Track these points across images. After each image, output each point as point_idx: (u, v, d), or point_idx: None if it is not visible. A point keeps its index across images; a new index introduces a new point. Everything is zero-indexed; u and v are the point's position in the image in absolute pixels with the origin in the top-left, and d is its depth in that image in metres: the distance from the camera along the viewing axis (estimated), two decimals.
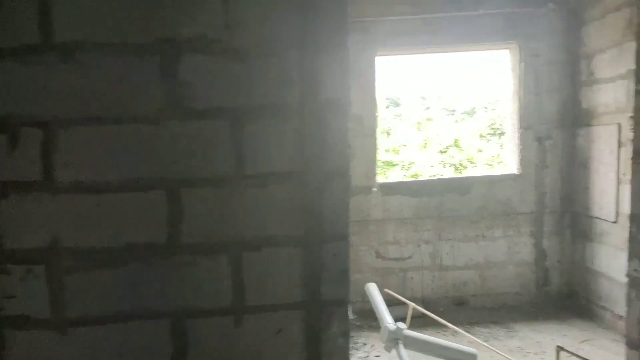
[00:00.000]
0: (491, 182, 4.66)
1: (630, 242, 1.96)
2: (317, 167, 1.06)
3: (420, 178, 5.05)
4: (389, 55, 4.65)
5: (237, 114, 1.04)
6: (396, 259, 4.70)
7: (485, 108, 13.03)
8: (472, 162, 16.89)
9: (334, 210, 1.07)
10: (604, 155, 4.01)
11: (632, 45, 1.75)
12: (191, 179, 1.06)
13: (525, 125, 4.55)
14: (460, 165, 16.43)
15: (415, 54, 4.68)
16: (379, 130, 4.70)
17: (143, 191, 1.06)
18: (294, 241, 1.07)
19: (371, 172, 4.62)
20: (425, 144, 18.74)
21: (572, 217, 4.59)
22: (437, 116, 19.22)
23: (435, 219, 4.65)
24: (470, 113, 18.68)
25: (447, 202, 4.64)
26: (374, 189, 4.63)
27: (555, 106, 4.52)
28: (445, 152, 17.02)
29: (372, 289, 4.47)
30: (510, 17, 4.41)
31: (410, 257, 4.70)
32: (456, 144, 16.65)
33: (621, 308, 3.58)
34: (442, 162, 17.00)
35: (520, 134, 4.57)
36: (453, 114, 19.07)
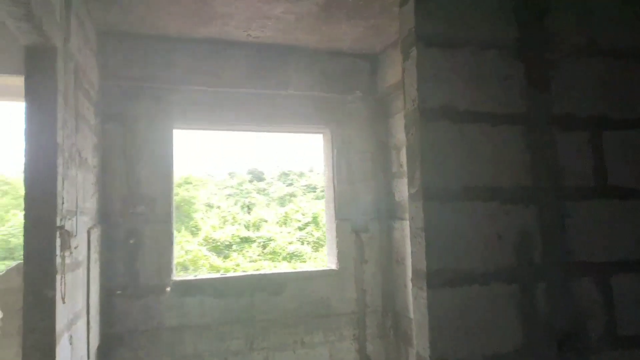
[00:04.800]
0: (307, 278, 4.56)
1: None
2: None
3: (226, 274, 4.78)
4: (189, 129, 4.47)
5: None
6: None
7: None
8: None
9: None
10: None
11: None
12: None
13: (342, 216, 4.61)
14: (317, 242, 16.93)
15: (221, 130, 4.57)
16: (175, 216, 4.36)
17: None
18: None
19: (165, 267, 4.21)
20: (285, 220, 19.12)
21: (394, 318, 4.64)
22: (299, 192, 19.92)
23: (246, 325, 4.35)
24: None
25: (259, 303, 4.39)
26: (168, 289, 4.21)
27: (371, 196, 4.68)
28: (303, 229, 17.50)
29: None
30: (320, 100, 4.60)
31: None
32: (315, 221, 17.21)
33: None
34: (301, 239, 17.46)
35: (337, 225, 4.60)
36: (314, 191, 19.91)
